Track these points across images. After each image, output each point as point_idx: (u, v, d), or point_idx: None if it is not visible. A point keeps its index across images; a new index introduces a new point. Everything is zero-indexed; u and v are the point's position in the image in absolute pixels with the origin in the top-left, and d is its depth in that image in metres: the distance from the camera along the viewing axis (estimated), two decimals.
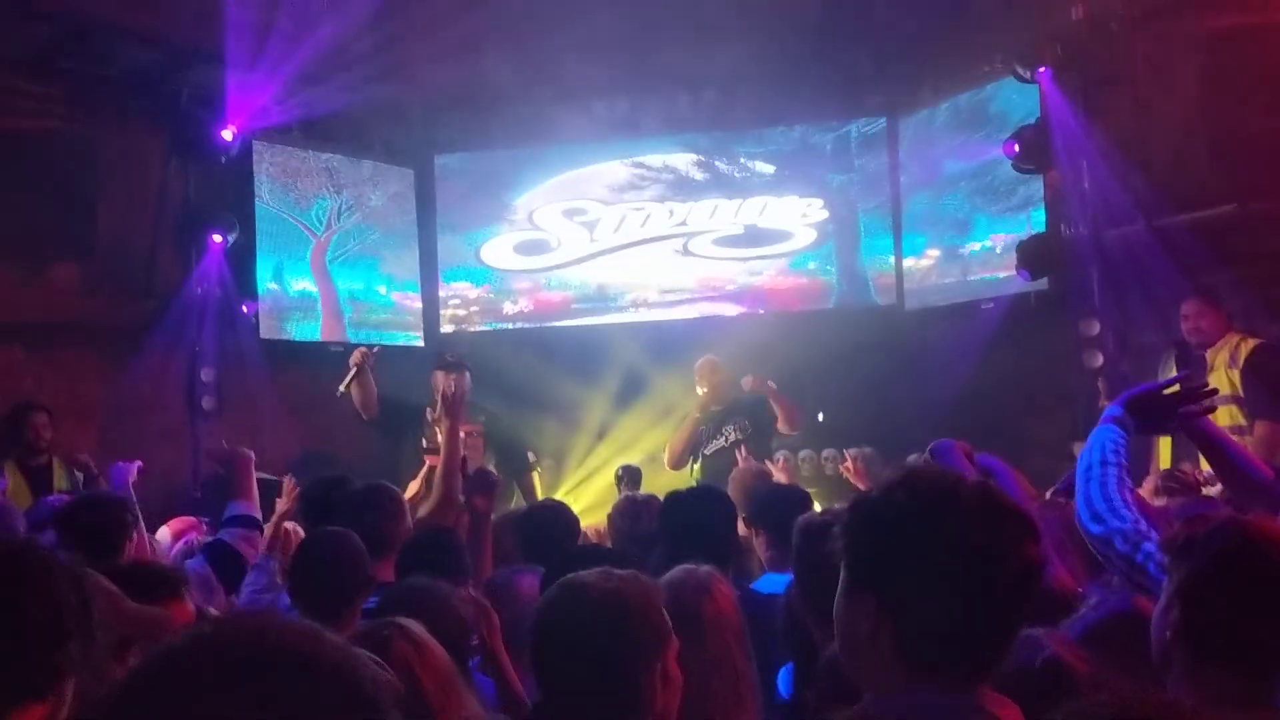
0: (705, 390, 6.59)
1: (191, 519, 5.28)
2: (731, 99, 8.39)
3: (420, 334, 8.71)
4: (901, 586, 1.44)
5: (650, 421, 7.56)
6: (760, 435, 6.66)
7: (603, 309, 8.61)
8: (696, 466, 6.54)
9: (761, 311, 8.40)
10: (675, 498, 3.85)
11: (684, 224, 8.54)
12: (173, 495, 6.86)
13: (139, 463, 4.50)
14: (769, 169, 8.45)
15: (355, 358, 6.19)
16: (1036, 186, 6.99)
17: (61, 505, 4.00)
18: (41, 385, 6.83)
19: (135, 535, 3.83)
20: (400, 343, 8.56)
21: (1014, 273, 6.86)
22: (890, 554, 1.45)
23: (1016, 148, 6.70)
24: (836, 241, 8.34)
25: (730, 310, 8.49)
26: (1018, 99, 7.14)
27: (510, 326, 8.59)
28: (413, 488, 6.16)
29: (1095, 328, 6.37)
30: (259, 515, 4.02)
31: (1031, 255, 6.60)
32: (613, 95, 8.52)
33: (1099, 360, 6.36)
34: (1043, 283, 6.86)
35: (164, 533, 5.10)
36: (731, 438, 6.67)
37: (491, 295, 8.76)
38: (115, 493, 4.12)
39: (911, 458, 5.94)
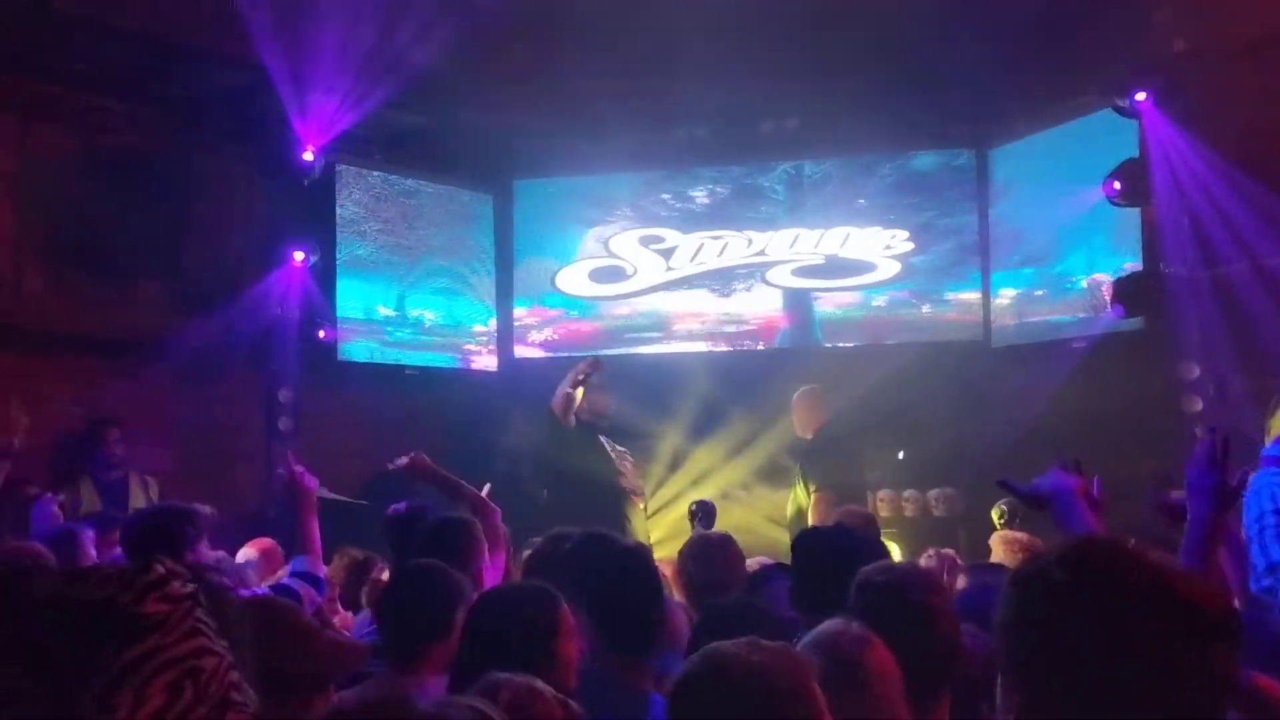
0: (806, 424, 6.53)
1: (270, 540, 5.26)
2: (816, 128, 8.25)
3: (495, 359, 8.66)
4: (1050, 692, 1.17)
5: (725, 455, 7.44)
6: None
7: (678, 337, 8.49)
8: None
9: (840, 344, 8.22)
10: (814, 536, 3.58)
11: (763, 253, 8.41)
12: (247, 516, 6.86)
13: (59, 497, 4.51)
14: (853, 199, 8.29)
15: (583, 367, 6.41)
16: (1134, 222, 6.76)
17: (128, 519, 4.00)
18: (121, 402, 6.89)
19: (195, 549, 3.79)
20: (474, 367, 8.53)
21: (1107, 311, 6.64)
22: (1042, 650, 1.18)
23: (1116, 185, 6.47)
24: (921, 275, 8.15)
25: (808, 342, 8.33)
26: (1113, 132, 6.92)
27: (585, 353, 8.48)
28: None
29: (1194, 371, 6.11)
30: (322, 572, 3.94)
31: (1128, 293, 6.38)
32: (694, 122, 8.44)
33: (1198, 405, 6.10)
34: (1136, 322, 6.63)
35: (247, 552, 5.09)
36: None
37: (567, 322, 8.69)
38: (177, 504, 4.07)
39: (998, 510, 5.83)
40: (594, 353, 8.43)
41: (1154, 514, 2.97)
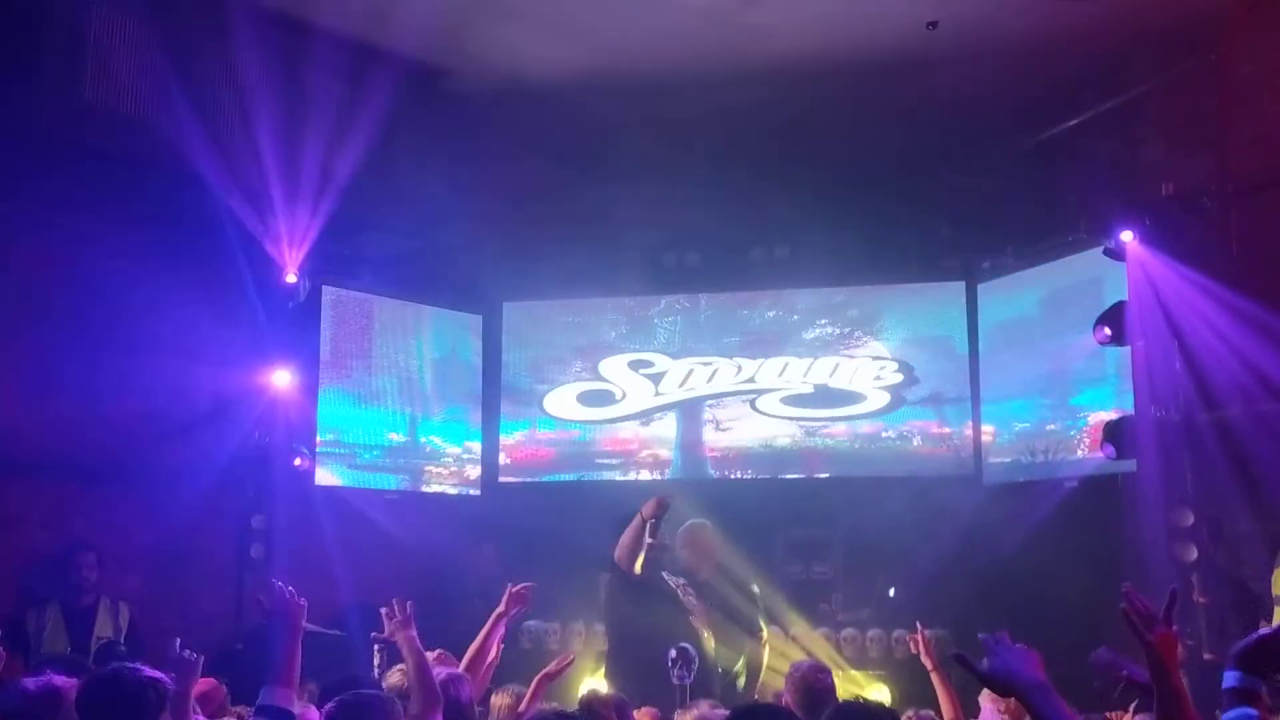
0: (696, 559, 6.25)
1: (211, 680, 5.02)
2: (804, 256, 8.24)
3: (478, 484, 8.50)
4: None
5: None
6: None
7: (666, 466, 8.34)
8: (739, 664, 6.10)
9: (828, 475, 8.07)
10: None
11: (752, 380, 8.32)
12: (212, 647, 6.63)
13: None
14: (841, 329, 8.22)
15: (652, 509, 5.94)
16: (1126, 363, 6.67)
17: (81, 685, 3.78)
18: (89, 526, 6.73)
19: None
20: (457, 492, 8.37)
21: (1098, 451, 6.51)
22: None
23: (1106, 330, 6.39)
24: (910, 407, 8.04)
25: (794, 474, 8.18)
26: (1103, 270, 6.88)
27: (571, 479, 8.34)
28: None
29: (1189, 518, 5.94)
30: (295, 711, 3.68)
31: (1118, 435, 6.25)
32: (682, 248, 8.44)
33: (1193, 554, 5.92)
34: (1130, 464, 6.48)
35: None
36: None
37: (553, 446, 8.55)
38: (141, 670, 3.85)
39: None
40: (581, 478, 8.32)
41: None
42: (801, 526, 8.01)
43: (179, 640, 4.03)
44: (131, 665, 3.61)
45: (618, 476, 8.36)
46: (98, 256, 6.84)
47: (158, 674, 3.55)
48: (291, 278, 7.27)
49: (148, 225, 6.88)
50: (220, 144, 6.85)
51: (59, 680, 3.68)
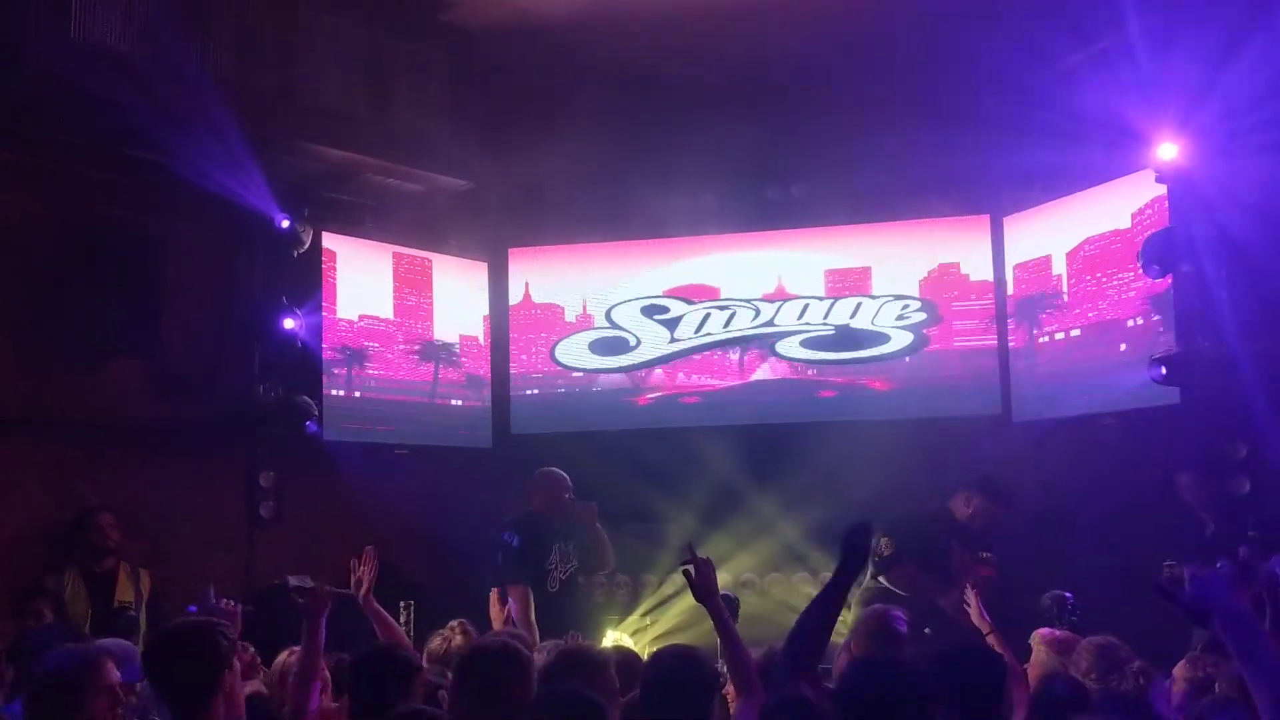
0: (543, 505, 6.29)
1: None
2: (822, 193, 7.96)
3: (489, 435, 8.24)
4: None
5: (741, 539, 7.00)
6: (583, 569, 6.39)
7: (686, 412, 8.09)
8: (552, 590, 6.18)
9: (854, 419, 7.82)
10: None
11: (771, 324, 8.06)
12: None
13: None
14: (863, 267, 7.95)
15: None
16: (1168, 293, 6.43)
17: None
18: (95, 488, 6.46)
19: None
20: (468, 445, 8.11)
21: (1138, 386, 6.28)
22: None
23: (1144, 252, 6.15)
24: (936, 345, 7.79)
25: (818, 415, 7.93)
26: (1140, 199, 6.64)
27: (587, 429, 8.08)
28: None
29: (1242, 451, 5.73)
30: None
31: (1166, 368, 6.01)
32: (698, 189, 8.13)
33: (1246, 487, 5.71)
34: (1173, 397, 6.25)
35: None
36: (573, 566, 6.32)
37: (566, 396, 8.29)
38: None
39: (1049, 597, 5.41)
40: (599, 429, 8.04)
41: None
42: (823, 470, 7.78)
43: (211, 589, 3.90)
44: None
45: (634, 425, 8.10)
46: (94, 204, 6.53)
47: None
48: (285, 223, 6.93)
49: (148, 169, 6.55)
50: (213, 84, 6.52)
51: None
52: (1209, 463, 5.92)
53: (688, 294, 8.18)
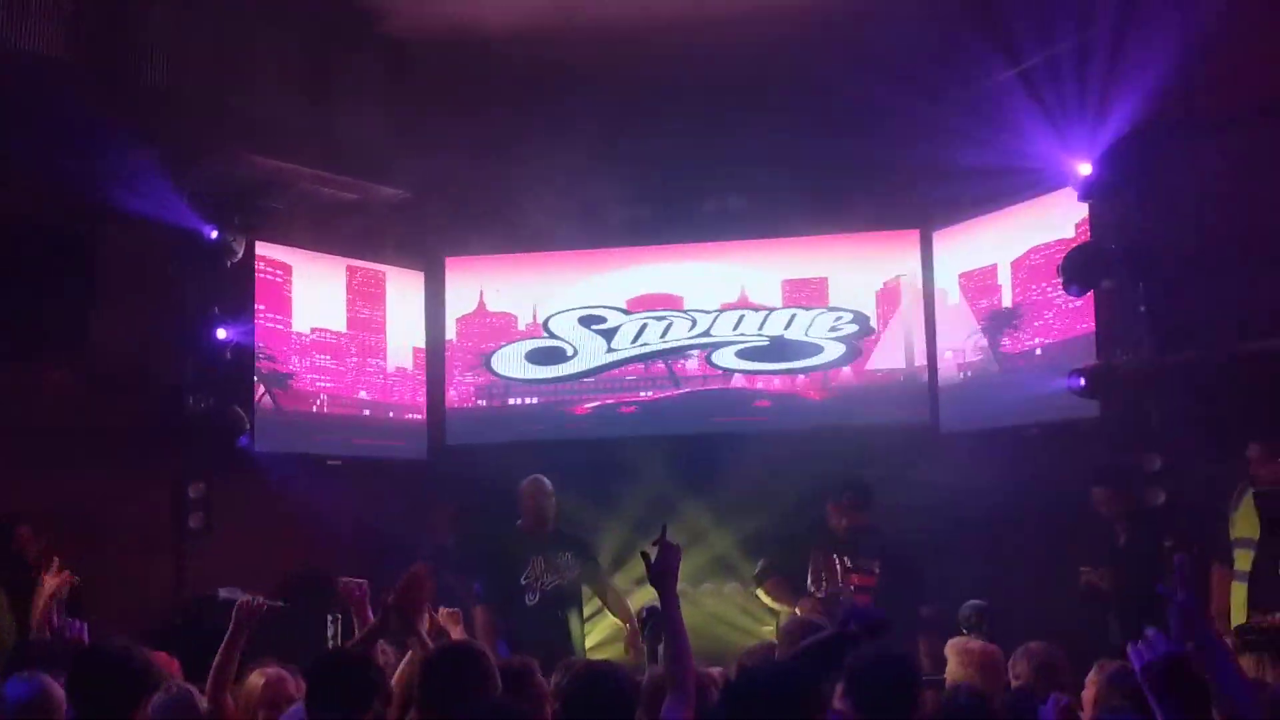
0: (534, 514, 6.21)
1: (163, 655, 4.79)
2: (758, 207, 8.06)
3: (424, 446, 8.24)
4: None
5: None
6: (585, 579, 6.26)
7: (623, 422, 8.14)
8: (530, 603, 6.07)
9: (787, 429, 7.91)
10: None
11: (707, 334, 8.13)
12: (150, 621, 6.34)
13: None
14: (797, 279, 8.06)
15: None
16: (1088, 307, 6.58)
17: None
18: (20, 494, 6.36)
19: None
20: (403, 456, 8.10)
21: (1061, 399, 6.42)
22: None
23: (1064, 268, 6.30)
24: (867, 356, 7.91)
25: (752, 425, 8.01)
26: (1058, 215, 6.79)
27: (523, 440, 8.09)
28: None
29: (1156, 462, 5.88)
30: None
31: (1085, 383, 6.16)
32: (635, 202, 8.21)
33: (1160, 498, 5.86)
34: (1093, 409, 6.41)
35: None
36: (569, 574, 6.19)
37: (502, 406, 8.30)
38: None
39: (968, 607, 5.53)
40: (533, 439, 8.05)
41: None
42: (756, 479, 7.86)
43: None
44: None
45: (571, 435, 8.13)
46: (24, 208, 6.46)
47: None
48: (215, 233, 6.89)
49: (93, 176, 6.49)
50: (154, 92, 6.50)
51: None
52: (1124, 475, 6.07)
53: (635, 305, 8.21)
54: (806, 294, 8.03)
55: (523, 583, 6.12)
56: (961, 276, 7.61)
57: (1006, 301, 7.28)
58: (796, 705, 2.77)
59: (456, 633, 5.31)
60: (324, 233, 7.83)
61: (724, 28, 7.17)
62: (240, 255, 7.07)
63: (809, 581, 6.10)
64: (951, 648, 4.58)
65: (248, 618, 4.09)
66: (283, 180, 7.35)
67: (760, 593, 6.37)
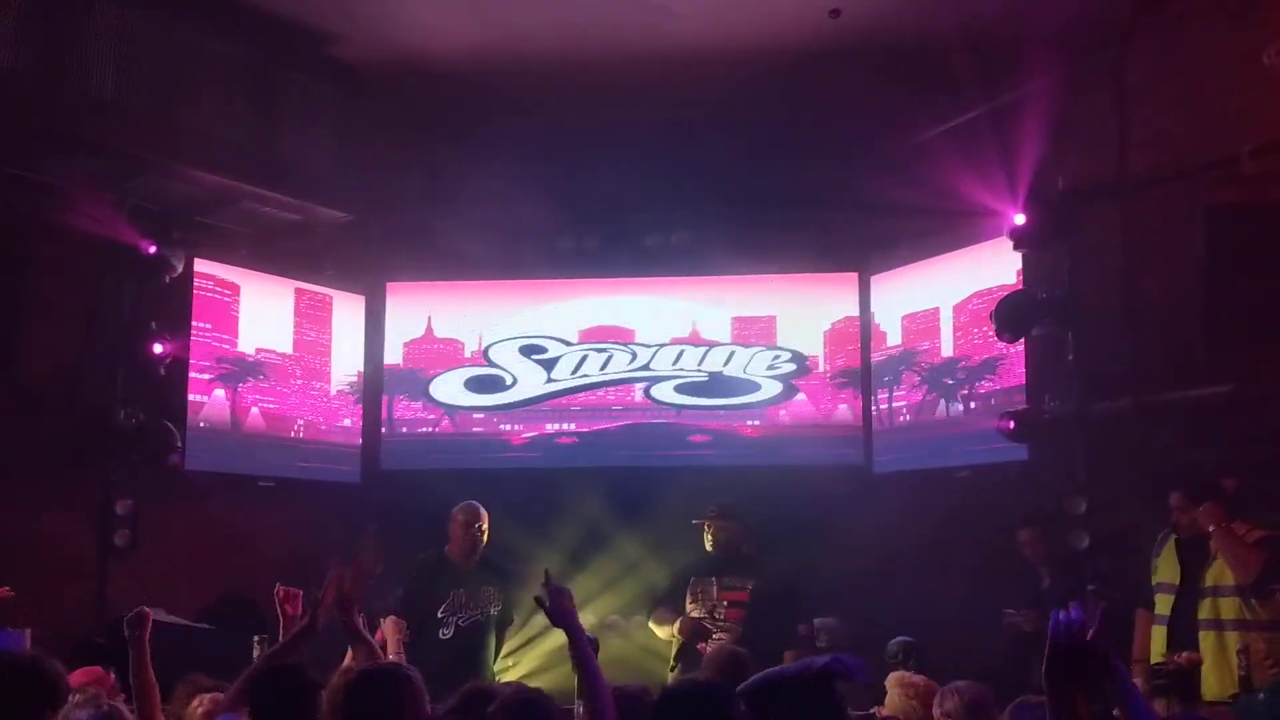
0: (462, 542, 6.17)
1: (98, 669, 4.71)
2: (701, 243, 8.15)
3: (358, 470, 8.17)
4: None
5: (608, 581, 7.05)
6: (504, 615, 6.18)
7: (560, 453, 8.14)
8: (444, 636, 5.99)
9: (723, 464, 7.98)
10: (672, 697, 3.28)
11: (647, 368, 8.19)
12: (73, 639, 6.18)
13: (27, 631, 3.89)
14: (736, 317, 8.16)
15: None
16: (1018, 355, 6.75)
17: None
18: None
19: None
20: (335, 479, 8.02)
21: (993, 442, 6.56)
22: None
23: (996, 315, 6.45)
24: (803, 396, 8.02)
25: (689, 460, 8.06)
26: (997, 262, 6.96)
27: (459, 467, 8.06)
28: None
29: (1081, 506, 6.03)
30: None
31: (1014, 427, 6.30)
32: (578, 232, 8.27)
33: (1085, 542, 6.00)
34: (1021, 453, 6.56)
35: None
36: (491, 611, 6.11)
37: (438, 432, 8.27)
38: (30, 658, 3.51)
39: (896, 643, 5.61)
40: (469, 467, 8.03)
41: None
42: (692, 513, 7.90)
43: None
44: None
45: (508, 465, 8.12)
46: None
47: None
48: (152, 248, 6.81)
49: (27, 186, 6.39)
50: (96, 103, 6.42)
51: None
52: (1049, 518, 6.21)
53: (588, 335, 8.24)
54: (755, 332, 8.10)
55: (439, 615, 6.03)
56: (905, 319, 7.73)
57: (947, 344, 7.41)
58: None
59: (394, 643, 5.28)
60: (265, 252, 7.77)
61: (670, 64, 7.29)
62: (179, 270, 6.97)
63: (686, 603, 6.18)
64: (894, 680, 4.66)
65: (136, 633, 4.05)
66: (225, 197, 7.28)
67: (651, 624, 6.43)
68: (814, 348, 8.06)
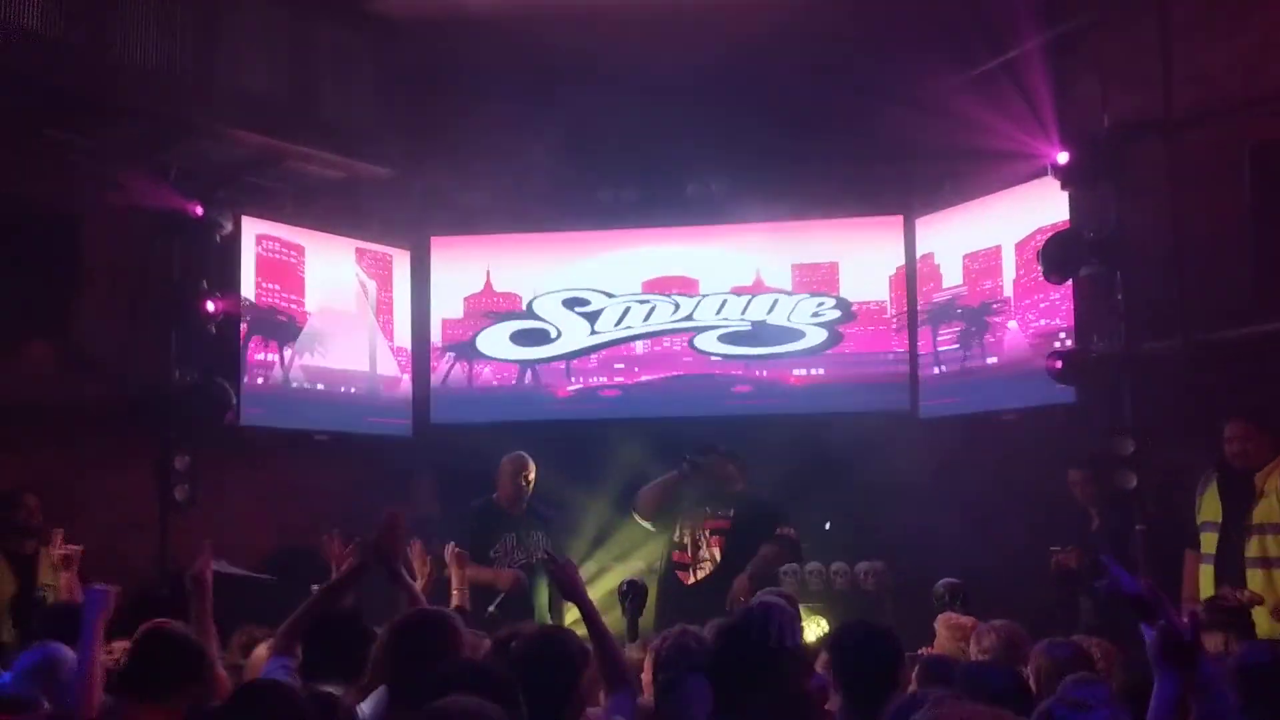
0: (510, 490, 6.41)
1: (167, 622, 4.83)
2: (741, 191, 8.12)
3: (409, 424, 8.29)
4: None
5: (649, 531, 7.12)
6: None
7: (604, 405, 8.20)
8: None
9: (767, 413, 8.01)
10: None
11: (690, 318, 8.21)
12: (137, 593, 6.37)
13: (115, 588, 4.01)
14: (779, 265, 8.13)
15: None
16: (1066, 294, 6.69)
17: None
18: (3, 471, 6.38)
19: None
20: (388, 433, 8.15)
21: (1041, 385, 6.53)
22: None
23: (1044, 255, 6.40)
24: (848, 342, 8.00)
25: (733, 410, 8.10)
26: (1044, 203, 6.88)
27: (506, 420, 8.16)
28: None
29: (1129, 447, 6.00)
30: None
31: (1062, 367, 6.27)
32: (620, 183, 8.26)
33: (1132, 482, 5.97)
34: (1069, 395, 6.52)
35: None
36: (539, 553, 6.24)
37: (485, 386, 8.36)
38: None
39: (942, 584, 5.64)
40: (517, 419, 8.13)
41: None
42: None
43: None
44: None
45: (553, 416, 8.20)
46: (8, 185, 6.46)
47: None
48: (200, 209, 6.90)
49: (77, 152, 6.50)
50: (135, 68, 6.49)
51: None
52: (1098, 460, 6.19)
53: (651, 286, 8.25)
54: (817, 279, 8.05)
55: (491, 557, 6.24)
56: (966, 258, 7.59)
57: (1008, 284, 7.31)
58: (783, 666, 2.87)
59: (458, 575, 5.41)
60: (309, 210, 7.86)
61: (711, 13, 7.22)
62: (229, 230, 7.07)
63: (676, 529, 6.62)
64: (942, 621, 4.71)
65: (199, 588, 4.18)
66: (268, 157, 7.37)
67: (636, 518, 6.82)
68: (880, 292, 7.99)
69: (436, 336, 8.39)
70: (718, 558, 6.45)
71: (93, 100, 6.52)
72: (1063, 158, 6.29)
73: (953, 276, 7.62)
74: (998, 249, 7.36)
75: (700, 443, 6.67)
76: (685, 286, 8.24)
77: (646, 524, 6.76)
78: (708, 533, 6.47)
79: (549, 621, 6.26)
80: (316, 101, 7.36)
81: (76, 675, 3.46)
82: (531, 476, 6.46)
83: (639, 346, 8.27)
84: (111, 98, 6.52)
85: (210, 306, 6.94)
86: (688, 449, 6.63)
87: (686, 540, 6.49)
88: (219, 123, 6.96)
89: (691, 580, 6.46)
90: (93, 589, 3.89)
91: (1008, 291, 7.30)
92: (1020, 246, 7.22)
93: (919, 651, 4.83)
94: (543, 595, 6.33)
